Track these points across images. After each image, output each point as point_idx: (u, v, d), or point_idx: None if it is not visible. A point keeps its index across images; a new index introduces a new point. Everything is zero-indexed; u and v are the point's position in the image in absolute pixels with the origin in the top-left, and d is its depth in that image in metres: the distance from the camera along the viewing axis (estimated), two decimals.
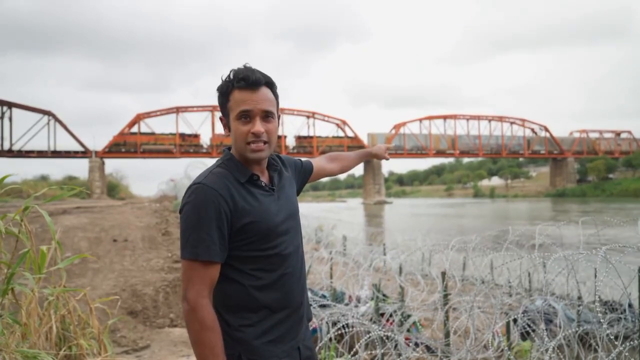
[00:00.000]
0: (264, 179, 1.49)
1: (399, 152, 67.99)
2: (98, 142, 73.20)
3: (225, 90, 1.43)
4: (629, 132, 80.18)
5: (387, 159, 2.11)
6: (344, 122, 65.12)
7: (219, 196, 1.33)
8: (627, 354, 2.34)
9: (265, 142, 1.42)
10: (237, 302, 1.39)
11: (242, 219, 1.36)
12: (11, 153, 53.99)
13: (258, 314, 1.40)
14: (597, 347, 3.32)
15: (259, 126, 1.40)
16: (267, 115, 1.42)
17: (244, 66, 1.43)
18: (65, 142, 57.78)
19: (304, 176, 1.76)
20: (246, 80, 1.39)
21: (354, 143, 64.84)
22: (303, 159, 1.81)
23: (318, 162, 1.86)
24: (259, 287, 1.40)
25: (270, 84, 1.45)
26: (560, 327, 3.71)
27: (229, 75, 1.43)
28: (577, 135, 77.60)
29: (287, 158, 1.69)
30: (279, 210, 1.45)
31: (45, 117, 54.88)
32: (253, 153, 1.41)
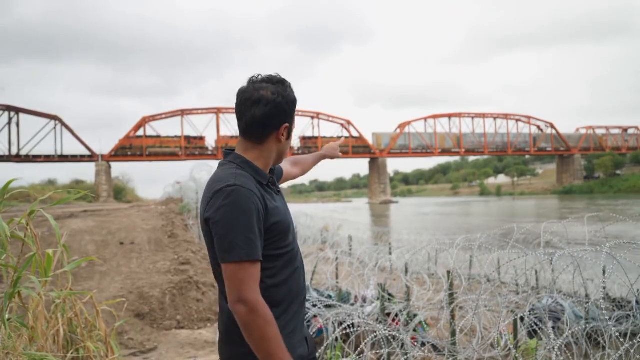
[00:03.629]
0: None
1: (404, 152, 67.88)
2: (104, 146, 73.77)
3: (295, 104, 1.55)
4: (636, 128, 79.57)
5: (339, 157, 2.32)
6: (349, 122, 65.06)
7: (255, 197, 1.40)
8: (634, 351, 2.33)
9: None
10: None
11: (271, 218, 1.44)
12: (19, 158, 54.49)
13: (278, 309, 1.45)
14: (605, 344, 3.30)
15: None
16: None
17: None
18: (72, 147, 58.38)
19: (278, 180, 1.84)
20: None
21: (359, 143, 64.77)
22: None
23: (284, 166, 1.93)
24: (278, 284, 1.47)
25: None
26: (567, 325, 3.69)
27: (290, 89, 1.52)
28: (583, 131, 77.03)
29: None
30: (287, 210, 1.56)
31: (52, 122, 55.34)
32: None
